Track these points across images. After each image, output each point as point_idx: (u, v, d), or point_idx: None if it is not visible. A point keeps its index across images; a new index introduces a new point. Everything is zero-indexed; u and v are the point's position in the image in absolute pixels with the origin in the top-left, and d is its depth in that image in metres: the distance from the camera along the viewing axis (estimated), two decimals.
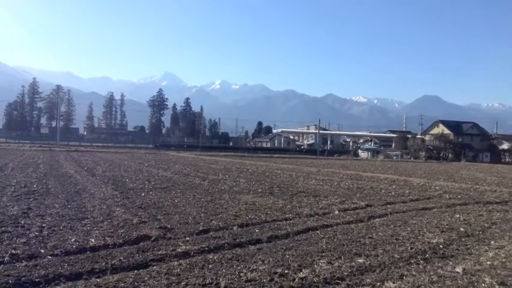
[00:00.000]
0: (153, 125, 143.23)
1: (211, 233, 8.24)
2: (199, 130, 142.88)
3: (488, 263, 6.78)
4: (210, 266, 6.17)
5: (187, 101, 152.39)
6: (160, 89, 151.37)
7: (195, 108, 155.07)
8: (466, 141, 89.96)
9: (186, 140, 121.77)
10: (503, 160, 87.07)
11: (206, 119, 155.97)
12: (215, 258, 6.56)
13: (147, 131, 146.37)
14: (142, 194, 13.72)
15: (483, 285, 5.69)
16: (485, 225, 10.28)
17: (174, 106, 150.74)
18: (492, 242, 8.38)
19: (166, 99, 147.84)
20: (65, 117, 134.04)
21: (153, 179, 19.34)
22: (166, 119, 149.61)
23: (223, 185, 17.64)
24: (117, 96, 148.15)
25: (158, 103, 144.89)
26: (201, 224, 9.02)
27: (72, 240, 7.26)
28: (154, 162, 34.36)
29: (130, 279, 5.46)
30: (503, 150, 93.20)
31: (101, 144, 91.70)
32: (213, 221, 9.35)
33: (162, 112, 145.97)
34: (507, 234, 9.28)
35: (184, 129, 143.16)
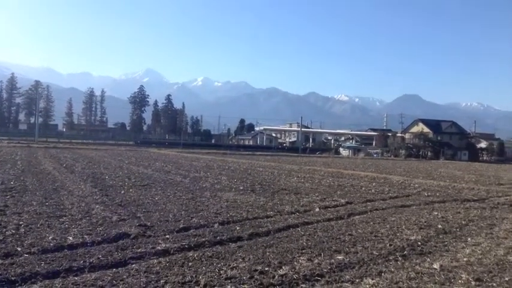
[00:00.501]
0: (134, 122, 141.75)
1: (191, 230, 8.22)
2: (181, 127, 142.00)
3: (465, 259, 6.91)
4: (190, 263, 6.15)
5: (168, 98, 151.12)
6: (142, 86, 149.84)
7: (177, 105, 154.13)
8: (445, 139, 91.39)
9: (167, 137, 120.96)
10: (480, 158, 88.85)
11: (188, 116, 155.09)
12: (195, 256, 6.54)
13: (127, 128, 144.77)
14: (122, 192, 13.58)
15: (460, 281, 5.79)
16: (463, 222, 10.47)
17: (156, 103, 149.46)
18: (469, 239, 8.54)
19: (148, 95, 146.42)
20: (44, 113, 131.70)
21: (133, 176, 19.16)
22: (148, 116, 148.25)
23: (205, 182, 17.58)
24: (98, 92, 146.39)
25: (139, 99, 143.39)
26: (182, 221, 8.98)
27: (50, 238, 7.16)
28: (134, 159, 34.05)
29: (109, 278, 5.41)
30: (481, 149, 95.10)
31: (80, 140, 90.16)
32: (194, 219, 9.31)
33: (143, 109, 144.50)
34: (484, 231, 9.47)
35: (165, 126, 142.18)
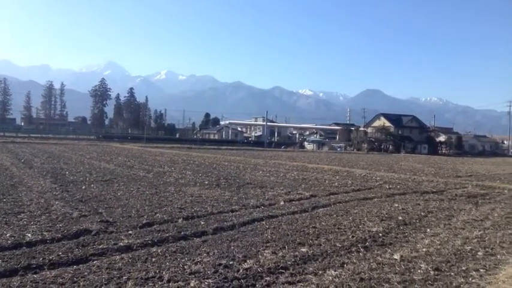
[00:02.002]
0: (95, 116, 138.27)
1: (155, 226, 8.12)
2: (144, 121, 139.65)
3: (424, 250, 7.12)
4: (153, 259, 6.08)
5: (131, 91, 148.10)
6: (103, 79, 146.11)
7: (140, 98, 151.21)
8: (406, 133, 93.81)
9: (130, 132, 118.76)
10: (440, 152, 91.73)
11: (151, 110, 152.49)
12: (159, 251, 6.47)
13: (89, 122, 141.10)
14: (83, 187, 13.27)
15: (419, 271, 5.96)
16: (422, 213, 10.79)
17: (118, 96, 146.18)
18: (428, 230, 8.81)
19: (109, 89, 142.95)
20: (1, 107, 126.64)
21: (94, 171, 18.73)
22: (109, 110, 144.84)
23: (169, 177, 17.38)
24: (57, 86, 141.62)
25: (101, 93, 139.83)
26: (145, 217, 8.86)
27: (8, 235, 6.94)
28: (96, 154, 33.29)
29: (69, 275, 5.29)
30: (440, 142, 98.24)
31: (39, 135, 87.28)
32: (158, 214, 9.20)
33: (104, 102, 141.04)
34: (442, 222, 9.79)
35: (128, 120, 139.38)
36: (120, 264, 5.80)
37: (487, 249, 7.32)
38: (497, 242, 7.89)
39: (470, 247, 7.41)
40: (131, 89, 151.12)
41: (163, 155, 36.78)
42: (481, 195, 15.14)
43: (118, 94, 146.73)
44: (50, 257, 5.92)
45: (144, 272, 5.49)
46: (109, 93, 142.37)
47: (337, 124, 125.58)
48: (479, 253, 7.04)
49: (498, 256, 6.90)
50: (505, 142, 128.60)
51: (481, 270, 6.11)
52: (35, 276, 5.25)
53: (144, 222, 8.32)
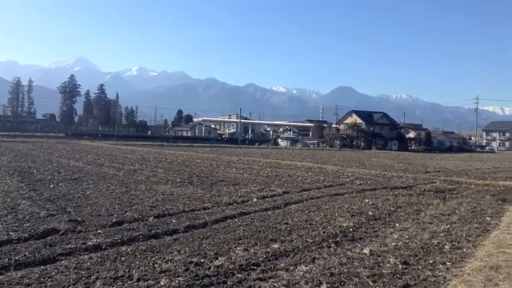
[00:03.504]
0: (65, 113, 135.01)
1: (125, 224, 8.02)
2: (115, 118, 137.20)
3: (393, 244, 7.25)
4: (123, 258, 6.01)
5: (101, 88, 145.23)
6: (73, 75, 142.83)
7: (111, 95, 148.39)
8: (377, 130, 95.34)
9: (100, 129, 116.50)
10: (409, 148, 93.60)
11: (122, 107, 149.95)
12: (128, 250, 6.39)
13: (57, 119, 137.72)
14: (51, 186, 12.99)
15: (388, 265, 6.07)
16: (391, 208, 10.99)
17: (88, 93, 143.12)
18: (397, 225, 8.98)
19: (79, 85, 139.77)
20: None
21: (63, 169, 18.33)
22: (79, 107, 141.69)
23: (140, 175, 17.16)
24: (25, 82, 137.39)
25: (70, 90, 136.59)
26: (115, 215, 8.74)
27: None
28: (65, 152, 32.58)
29: (36, 275, 5.19)
30: (410, 139, 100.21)
31: (6, 133, 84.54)
32: (128, 213, 9.08)
33: (74, 99, 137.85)
34: (410, 217, 9.99)
35: (98, 117, 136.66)
36: (88, 263, 5.72)
37: (453, 242, 7.51)
38: (464, 235, 8.10)
39: (437, 241, 7.58)
40: (101, 85, 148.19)
41: (135, 152, 36.30)
42: (448, 190, 15.53)
43: (88, 90, 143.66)
44: (17, 258, 5.78)
45: (113, 272, 5.41)
46: (79, 89, 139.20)
47: (310, 121, 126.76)
48: (446, 246, 7.21)
49: (464, 249, 7.08)
50: (472, 138, 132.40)
51: (448, 263, 6.26)
52: (1, 277, 5.13)
53: (113, 221, 8.21)
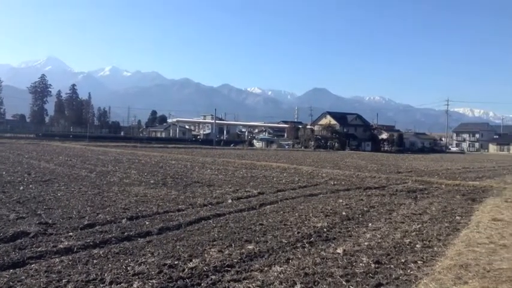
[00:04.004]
0: (35, 114, 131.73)
1: (97, 227, 7.89)
2: (87, 119, 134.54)
3: (366, 243, 7.35)
4: (95, 261, 5.92)
5: (73, 88, 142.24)
6: (43, 75, 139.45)
7: (83, 95, 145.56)
8: (351, 131, 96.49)
9: (72, 130, 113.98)
10: (382, 149, 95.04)
11: (95, 107, 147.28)
12: (101, 253, 6.30)
13: (28, 120, 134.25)
14: (21, 188, 12.67)
15: (361, 264, 6.15)
16: (365, 208, 11.14)
17: (59, 93, 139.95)
18: (370, 224, 9.10)
19: (50, 85, 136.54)
20: None
21: (33, 171, 17.90)
22: (50, 107, 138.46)
23: (113, 176, 16.90)
24: None
25: (41, 90, 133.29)
26: (87, 218, 8.59)
27: None
28: (35, 153, 31.80)
29: (5, 279, 5.09)
30: (383, 140, 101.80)
31: None
32: (100, 215, 8.94)
33: (45, 99, 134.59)
34: (383, 216, 10.15)
35: (70, 118, 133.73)
36: (59, 267, 5.62)
37: (424, 241, 7.66)
38: (435, 234, 8.27)
39: (409, 240, 7.72)
40: (73, 85, 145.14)
41: (107, 153, 35.72)
42: (420, 190, 15.84)
43: (59, 91, 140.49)
44: None
45: (85, 275, 5.34)
46: (50, 89, 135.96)
47: (285, 122, 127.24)
48: (417, 245, 7.35)
49: (435, 248, 7.23)
50: (443, 139, 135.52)
51: (419, 262, 6.38)
52: None
53: (85, 223, 8.07)
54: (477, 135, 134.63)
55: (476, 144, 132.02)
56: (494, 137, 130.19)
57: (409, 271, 5.92)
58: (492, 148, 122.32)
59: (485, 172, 29.17)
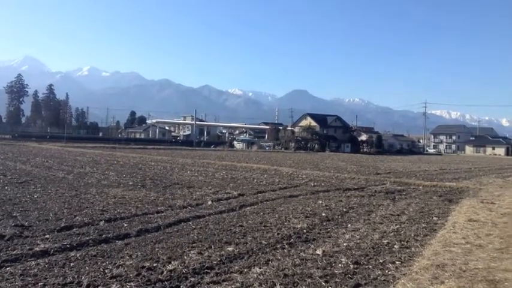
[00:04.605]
0: (11, 114, 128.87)
1: (74, 229, 7.78)
2: (65, 120, 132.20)
3: (345, 244, 7.41)
4: (72, 264, 5.84)
5: (50, 88, 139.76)
6: (20, 74, 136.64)
7: (60, 95, 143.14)
8: (331, 133, 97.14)
9: (49, 130, 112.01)
10: (361, 150, 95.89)
11: (73, 108, 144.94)
12: (78, 255, 6.21)
13: (3, 120, 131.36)
14: None
15: (340, 265, 6.19)
16: (344, 210, 11.23)
17: (36, 93, 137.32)
18: (349, 225, 9.18)
19: (27, 85, 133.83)
20: None
21: (9, 172, 17.52)
22: (27, 107, 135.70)
23: (90, 178, 16.66)
24: None
25: (17, 89, 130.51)
26: (63, 220, 8.46)
27: None
28: (11, 155, 31.09)
29: None
30: (362, 141, 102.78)
31: None
32: (77, 217, 8.81)
33: (21, 99, 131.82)
34: (362, 217, 10.25)
35: (47, 118, 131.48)
36: (35, 270, 5.54)
37: (402, 242, 7.76)
38: (412, 235, 8.39)
39: (387, 240, 7.82)
40: (51, 85, 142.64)
41: (85, 155, 35.19)
42: (398, 191, 16.06)
43: (36, 91, 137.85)
44: None
45: (61, 278, 5.26)
46: (26, 89, 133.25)
47: (266, 123, 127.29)
48: (395, 246, 7.44)
49: (412, 249, 7.33)
50: (421, 141, 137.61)
51: (397, 262, 6.46)
52: None
53: (62, 225, 7.96)
54: (454, 137, 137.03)
55: (453, 146, 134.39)
56: (471, 138, 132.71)
57: (387, 271, 5.99)
58: (468, 150, 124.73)
59: (461, 173, 29.76)
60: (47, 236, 7.24)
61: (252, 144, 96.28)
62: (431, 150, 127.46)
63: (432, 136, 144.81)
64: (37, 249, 6.39)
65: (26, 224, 8.01)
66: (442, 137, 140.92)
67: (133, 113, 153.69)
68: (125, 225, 8.27)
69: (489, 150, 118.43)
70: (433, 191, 17.00)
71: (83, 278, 5.27)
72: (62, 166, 22.16)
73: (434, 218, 10.49)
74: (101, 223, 8.32)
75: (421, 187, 18.18)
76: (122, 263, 5.90)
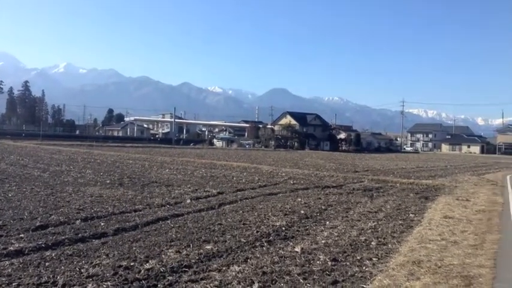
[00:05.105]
0: None
1: (50, 228, 7.67)
2: (41, 117, 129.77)
3: (323, 241, 7.46)
4: (47, 263, 5.76)
5: (26, 85, 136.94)
6: None
7: (36, 92, 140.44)
8: (310, 131, 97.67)
9: (24, 128, 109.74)
10: (340, 148, 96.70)
11: (49, 105, 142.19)
12: (53, 255, 6.12)
13: None
14: None
15: (318, 262, 6.24)
16: (322, 207, 11.32)
17: (11, 90, 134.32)
18: (327, 223, 9.26)
19: (1, 82, 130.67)
20: None
21: None
22: (1, 105, 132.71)
23: (67, 176, 16.39)
24: None
25: None
26: (39, 219, 8.31)
27: None
28: None
29: None
30: (341, 139, 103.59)
31: None
32: (53, 216, 8.67)
33: None
34: (340, 215, 10.35)
35: (22, 115, 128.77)
36: (9, 270, 5.45)
37: (379, 239, 7.87)
38: (389, 232, 8.51)
39: (364, 237, 7.91)
40: (26, 82, 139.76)
41: (61, 152, 34.59)
42: (375, 189, 16.27)
43: (11, 87, 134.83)
44: None
45: (36, 278, 5.18)
46: (1, 86, 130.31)
47: (245, 122, 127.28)
48: (372, 243, 7.54)
49: (389, 245, 7.44)
50: (398, 139, 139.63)
51: (374, 259, 6.54)
52: None
53: (37, 224, 7.83)
54: (430, 136, 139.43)
55: (430, 144, 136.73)
56: (447, 137, 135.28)
57: (364, 268, 6.06)
58: (444, 148, 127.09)
59: (437, 171, 30.32)
60: (22, 235, 7.11)
61: (232, 142, 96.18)
62: (409, 149, 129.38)
63: (409, 134, 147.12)
64: (11, 248, 6.28)
65: (0, 223, 7.88)
66: (419, 136, 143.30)
67: (111, 111, 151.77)
68: (102, 224, 8.16)
69: (464, 148, 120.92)
70: (409, 188, 17.27)
71: (58, 277, 5.19)
72: (38, 164, 21.74)
73: (410, 215, 10.67)
74: (77, 222, 8.20)
75: (398, 184, 18.45)
76: (98, 262, 5.83)
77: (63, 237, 7.00)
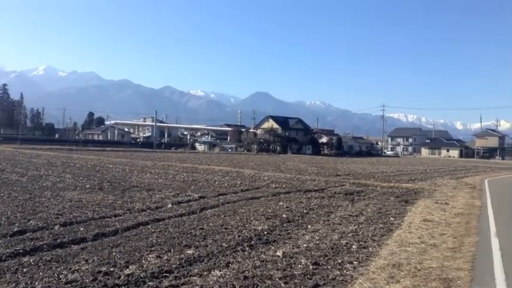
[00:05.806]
0: None
1: (28, 234, 7.54)
2: (19, 120, 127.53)
3: (304, 245, 7.49)
4: (25, 269, 5.67)
5: (4, 88, 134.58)
6: None
7: (14, 95, 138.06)
8: (292, 135, 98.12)
9: (2, 132, 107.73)
10: (322, 152, 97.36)
11: (27, 108, 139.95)
12: (31, 261, 6.02)
13: None
14: None
15: (299, 266, 6.26)
16: (304, 211, 11.37)
17: None
18: (309, 226, 9.30)
19: None
20: None
21: None
22: None
23: (46, 181, 16.13)
24: None
25: None
26: (16, 224, 8.18)
27: None
28: None
29: None
30: (323, 143, 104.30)
31: None
32: (31, 221, 8.53)
33: None
34: (322, 218, 10.41)
35: (0, 119, 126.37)
36: None
37: (360, 242, 7.93)
38: (370, 235, 8.60)
39: (346, 241, 7.97)
40: (4, 85, 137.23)
41: (40, 157, 34.03)
42: (357, 193, 16.41)
43: None
44: None
45: (13, 284, 5.10)
46: None
47: (228, 125, 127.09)
48: (353, 246, 7.60)
49: (370, 249, 7.51)
50: (379, 143, 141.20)
51: (355, 262, 6.60)
52: None
53: (15, 230, 7.70)
54: (410, 140, 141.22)
55: (410, 148, 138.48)
56: (426, 141, 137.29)
57: (345, 271, 6.10)
58: (424, 152, 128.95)
59: (417, 175, 30.73)
60: None
61: (214, 146, 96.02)
62: (389, 152, 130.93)
63: (390, 138, 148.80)
64: None
65: None
66: (399, 140, 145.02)
67: (91, 114, 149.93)
68: (81, 229, 8.05)
69: (444, 152, 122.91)
70: (390, 192, 17.47)
71: (36, 283, 5.11)
72: (16, 168, 21.35)
73: (391, 219, 10.79)
74: (56, 227, 8.07)
75: (379, 188, 18.65)
76: (77, 268, 5.75)
77: (41, 243, 6.88)
